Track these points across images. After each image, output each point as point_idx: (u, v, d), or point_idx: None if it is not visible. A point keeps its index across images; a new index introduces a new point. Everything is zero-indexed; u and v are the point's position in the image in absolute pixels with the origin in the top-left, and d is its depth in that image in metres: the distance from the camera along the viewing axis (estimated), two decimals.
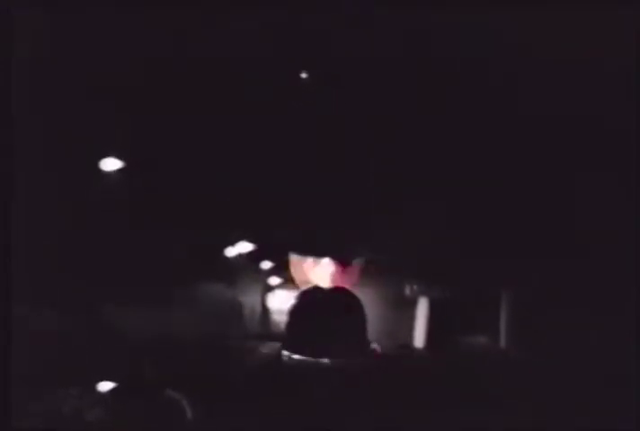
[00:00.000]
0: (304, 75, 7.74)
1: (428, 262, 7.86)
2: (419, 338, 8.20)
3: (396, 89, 7.69)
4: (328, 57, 7.70)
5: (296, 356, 7.18)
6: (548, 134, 7.56)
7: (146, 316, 7.40)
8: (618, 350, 6.78)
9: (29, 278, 6.45)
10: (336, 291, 7.95)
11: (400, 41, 7.44)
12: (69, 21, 7.13)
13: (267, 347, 7.36)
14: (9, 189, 5.72)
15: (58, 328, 6.96)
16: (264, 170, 7.79)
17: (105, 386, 6.31)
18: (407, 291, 8.27)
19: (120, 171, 7.77)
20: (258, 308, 8.20)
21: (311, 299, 7.83)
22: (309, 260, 8.14)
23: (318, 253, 8.04)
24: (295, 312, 7.75)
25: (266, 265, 8.18)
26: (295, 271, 8.21)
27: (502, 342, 7.75)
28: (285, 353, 7.34)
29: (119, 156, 7.74)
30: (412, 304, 8.24)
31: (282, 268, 8.23)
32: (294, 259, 8.24)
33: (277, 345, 7.44)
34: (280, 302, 8.22)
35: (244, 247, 8.02)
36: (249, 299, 8.18)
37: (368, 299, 7.99)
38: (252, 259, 8.10)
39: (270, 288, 8.26)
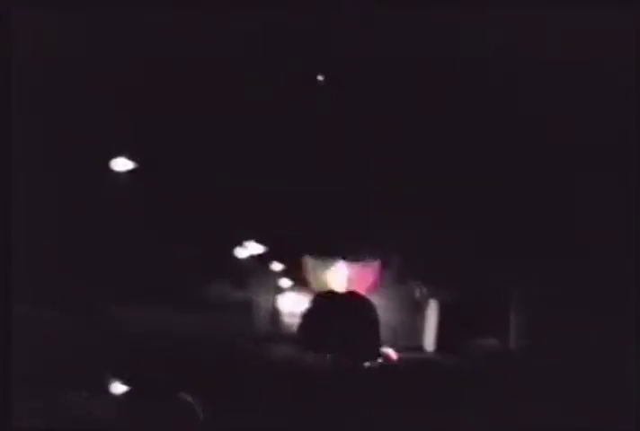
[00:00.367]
0: (320, 78, 7.80)
1: (436, 265, 7.91)
2: (429, 340, 8.27)
3: (396, 89, 7.70)
4: (328, 57, 7.71)
5: (309, 358, 7.22)
6: (548, 134, 7.57)
7: (155, 318, 7.44)
8: (618, 350, 6.78)
9: (29, 278, 6.45)
10: (350, 295, 8.08)
11: (400, 41, 7.45)
12: (69, 21, 7.15)
13: (278, 349, 7.39)
14: (9, 189, 5.72)
15: (58, 328, 6.97)
16: (264, 170, 7.80)
17: (116, 388, 6.33)
18: (417, 294, 8.37)
19: (121, 171, 7.78)
20: (269, 310, 8.27)
21: (325, 303, 7.94)
22: (324, 264, 8.27)
23: (332, 254, 8.19)
24: (309, 316, 7.85)
25: (277, 267, 8.25)
26: (310, 275, 8.34)
27: (511, 343, 7.81)
28: (298, 355, 7.37)
29: (120, 156, 7.75)
30: (422, 307, 8.35)
31: (293, 271, 8.31)
32: (309, 262, 8.35)
33: (288, 347, 7.48)
34: (292, 304, 8.30)
35: (256, 249, 8.08)
36: (261, 301, 8.24)
37: (381, 302, 8.10)
38: (263, 261, 8.17)
39: (281, 290, 8.33)
